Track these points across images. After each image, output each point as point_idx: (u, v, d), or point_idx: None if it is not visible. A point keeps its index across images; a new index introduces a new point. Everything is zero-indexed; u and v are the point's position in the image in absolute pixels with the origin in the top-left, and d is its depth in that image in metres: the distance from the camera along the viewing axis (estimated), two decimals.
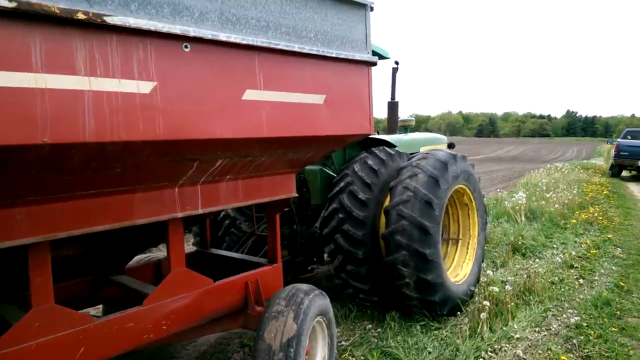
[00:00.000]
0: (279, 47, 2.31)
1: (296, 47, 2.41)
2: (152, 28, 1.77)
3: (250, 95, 2.23)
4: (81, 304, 3.24)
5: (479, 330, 3.78)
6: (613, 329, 4.08)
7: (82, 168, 1.78)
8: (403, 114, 6.77)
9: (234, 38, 2.08)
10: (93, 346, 2.21)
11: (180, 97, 1.92)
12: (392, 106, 6.18)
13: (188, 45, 1.94)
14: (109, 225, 2.11)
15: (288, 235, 4.60)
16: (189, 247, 7.47)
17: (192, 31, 1.91)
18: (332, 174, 4.65)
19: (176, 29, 1.86)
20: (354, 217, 4.03)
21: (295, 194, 3.12)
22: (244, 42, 2.13)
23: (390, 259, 3.90)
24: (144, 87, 1.80)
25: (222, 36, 2.03)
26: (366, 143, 4.86)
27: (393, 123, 6.29)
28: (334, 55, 2.65)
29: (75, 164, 1.73)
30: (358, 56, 2.85)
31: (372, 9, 2.92)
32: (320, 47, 2.60)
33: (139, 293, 2.88)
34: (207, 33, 1.96)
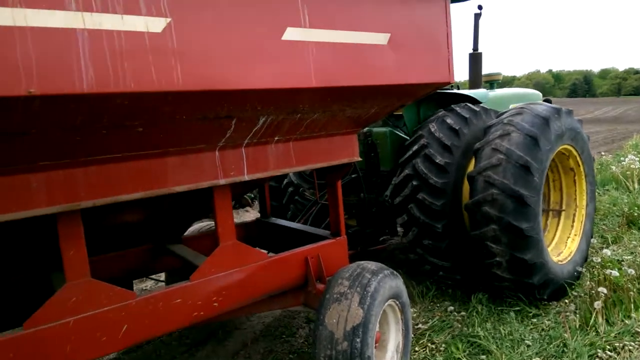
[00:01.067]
0: None
1: None
2: None
3: (292, 34, 1.80)
4: (140, 274, 3.17)
5: (592, 322, 3.10)
6: None
7: (91, 126, 1.51)
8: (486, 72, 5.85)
9: None
10: (137, 324, 2.02)
11: (201, 38, 1.56)
12: (475, 58, 5.38)
13: None
14: (139, 193, 1.85)
15: (356, 204, 4.21)
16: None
17: None
18: (404, 136, 4.13)
19: None
20: (430, 185, 3.51)
21: (358, 158, 2.68)
22: None
23: (477, 233, 3.33)
24: (155, 24, 1.45)
25: None
26: (444, 100, 4.24)
27: (476, 77, 5.49)
28: None
29: (79, 121, 1.46)
30: None
31: None
32: None
33: (191, 265, 2.69)
34: None
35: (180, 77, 1.52)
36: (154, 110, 1.57)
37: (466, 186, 3.53)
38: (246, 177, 2.20)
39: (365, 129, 4.13)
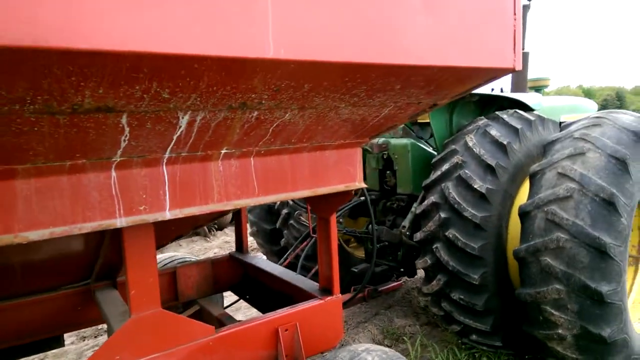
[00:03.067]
0: None
1: None
2: None
3: None
4: (63, 326, 2.33)
5: None
6: None
7: None
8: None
9: None
10: None
11: None
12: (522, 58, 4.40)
13: None
14: None
15: (366, 233, 3.31)
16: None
17: None
18: (431, 151, 3.22)
19: None
20: (464, 219, 2.58)
21: (361, 184, 1.78)
22: None
23: (530, 292, 2.36)
24: None
25: None
26: (485, 105, 3.30)
27: (521, 80, 4.52)
28: None
29: None
30: None
31: None
32: None
33: (110, 328, 1.84)
34: None
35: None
36: None
37: (515, 224, 2.59)
38: (168, 215, 1.31)
39: (380, 140, 3.22)
